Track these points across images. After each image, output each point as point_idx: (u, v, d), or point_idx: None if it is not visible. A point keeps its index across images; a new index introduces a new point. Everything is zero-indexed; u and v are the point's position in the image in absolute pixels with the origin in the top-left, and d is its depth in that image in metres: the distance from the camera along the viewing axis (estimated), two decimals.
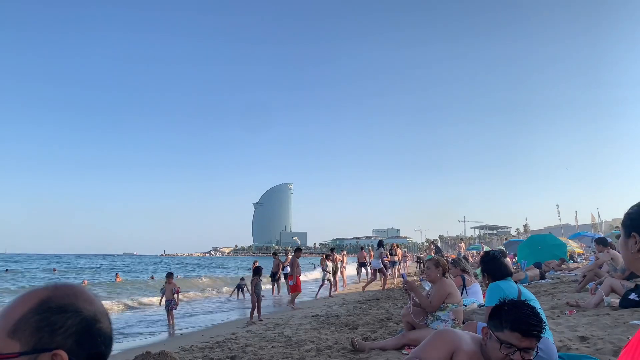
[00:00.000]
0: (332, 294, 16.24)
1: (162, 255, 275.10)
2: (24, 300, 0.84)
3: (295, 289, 13.20)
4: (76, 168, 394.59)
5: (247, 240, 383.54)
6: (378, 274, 16.03)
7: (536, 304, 3.61)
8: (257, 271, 11.89)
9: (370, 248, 21.14)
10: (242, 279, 19.59)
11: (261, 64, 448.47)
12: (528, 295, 3.94)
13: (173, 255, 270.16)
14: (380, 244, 16.70)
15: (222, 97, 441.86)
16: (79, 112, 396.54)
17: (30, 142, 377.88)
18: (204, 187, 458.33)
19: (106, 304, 16.07)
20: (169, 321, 11.60)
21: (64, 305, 0.84)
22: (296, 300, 13.34)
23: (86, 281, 26.77)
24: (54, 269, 44.39)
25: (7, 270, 40.44)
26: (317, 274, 24.68)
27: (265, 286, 19.74)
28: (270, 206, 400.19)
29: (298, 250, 14.03)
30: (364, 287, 15.99)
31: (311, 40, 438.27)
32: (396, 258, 18.10)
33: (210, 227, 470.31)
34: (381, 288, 15.61)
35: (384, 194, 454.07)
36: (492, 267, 4.16)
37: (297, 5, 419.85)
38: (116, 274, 30.23)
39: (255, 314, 10.62)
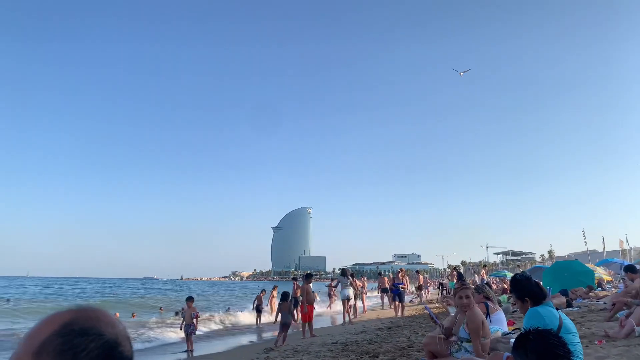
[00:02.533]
0: (352, 320, 15.95)
1: (180, 279, 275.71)
2: (48, 322, 0.86)
3: (305, 318, 12.69)
4: (96, 190, 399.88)
5: (266, 265, 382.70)
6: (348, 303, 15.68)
7: (576, 336, 3.41)
8: (285, 296, 11.87)
9: (390, 274, 20.89)
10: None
11: (284, 89, 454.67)
12: (569, 324, 3.70)
13: (192, 279, 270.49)
14: (344, 273, 16.35)
15: (242, 117, 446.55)
16: (94, 135, 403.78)
17: (53, 164, 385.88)
18: (222, 211, 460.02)
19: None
20: (187, 346, 11.54)
21: (87, 328, 0.85)
22: (314, 326, 13.11)
23: (118, 314, 26.35)
24: (8, 300, 34.38)
25: (8, 300, 34.26)
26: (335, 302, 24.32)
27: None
28: (290, 230, 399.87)
29: (309, 277, 13.40)
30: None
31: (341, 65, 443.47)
32: (403, 286, 17.81)
33: (229, 251, 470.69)
34: (398, 315, 15.30)
35: (405, 219, 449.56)
36: (531, 289, 3.85)
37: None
38: (160, 308, 28.57)
39: (281, 339, 10.50)
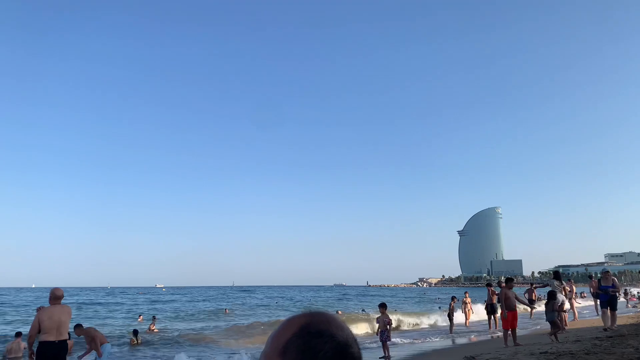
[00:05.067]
0: (565, 327, 14.27)
1: (366, 286, 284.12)
2: (289, 325, 0.97)
3: (506, 324, 11.78)
4: (295, 205, 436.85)
5: (455, 270, 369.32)
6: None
7: None
8: (552, 296, 11.84)
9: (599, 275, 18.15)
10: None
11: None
12: None
13: (379, 286, 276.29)
14: (557, 276, 14.47)
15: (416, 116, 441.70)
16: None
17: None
18: (406, 217, 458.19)
19: None
20: (384, 352, 11.68)
21: (321, 330, 0.94)
22: (518, 334, 12.11)
23: (340, 311, 28.68)
24: None
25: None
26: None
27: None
28: (477, 233, 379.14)
29: (509, 281, 12.63)
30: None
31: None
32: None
33: (415, 257, 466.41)
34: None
35: (618, 210, 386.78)
36: None
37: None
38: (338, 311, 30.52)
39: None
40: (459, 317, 19.61)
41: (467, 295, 21.02)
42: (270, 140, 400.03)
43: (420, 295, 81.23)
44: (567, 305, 14.96)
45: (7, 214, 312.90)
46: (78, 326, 10.38)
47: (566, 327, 14.52)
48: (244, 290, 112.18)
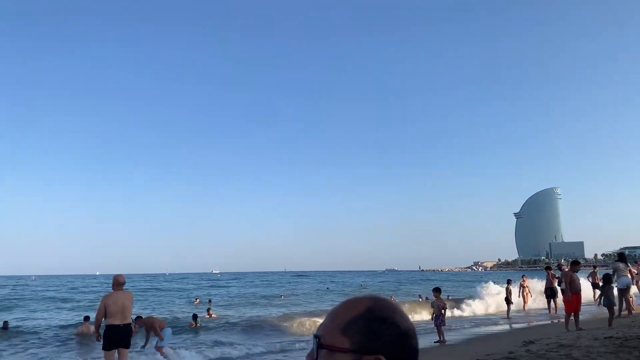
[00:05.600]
0: (632, 311, 13.51)
1: (419, 270, 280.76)
2: (353, 305, 0.97)
3: (570, 308, 11.28)
4: (346, 191, 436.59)
5: (511, 254, 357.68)
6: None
7: None
8: (608, 280, 11.60)
9: None
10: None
11: None
12: None
13: (432, 270, 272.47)
14: (622, 258, 13.49)
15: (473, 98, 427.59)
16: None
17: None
18: (460, 199, 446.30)
19: None
20: (439, 337, 11.53)
21: (385, 316, 0.94)
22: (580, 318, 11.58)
23: (394, 298, 28.45)
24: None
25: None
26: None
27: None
28: (535, 215, 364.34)
29: (575, 264, 12.05)
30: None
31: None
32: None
33: (469, 240, 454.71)
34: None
35: None
36: None
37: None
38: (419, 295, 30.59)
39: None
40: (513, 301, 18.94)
41: (524, 278, 20.35)
42: (326, 121, 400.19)
43: (476, 279, 79.46)
44: (634, 289, 14.11)
45: (74, 205, 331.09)
46: (138, 318, 10.89)
47: (633, 311, 13.74)
48: (297, 275, 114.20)
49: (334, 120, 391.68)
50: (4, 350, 11.15)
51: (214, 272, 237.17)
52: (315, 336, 0.94)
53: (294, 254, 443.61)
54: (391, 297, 28.33)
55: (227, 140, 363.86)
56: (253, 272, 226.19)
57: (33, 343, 12.38)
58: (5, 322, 15.22)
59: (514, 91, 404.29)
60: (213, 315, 18.73)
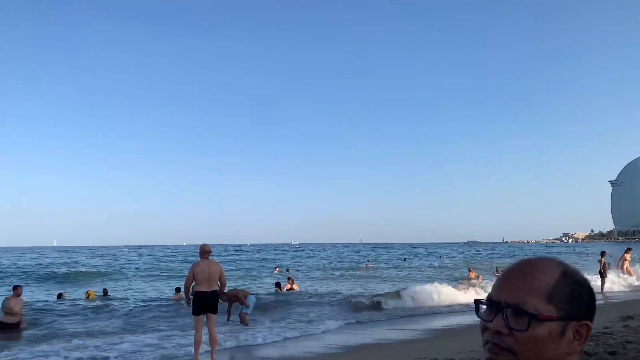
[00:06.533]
0: None
1: (502, 242, 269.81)
2: (546, 269, 0.91)
3: None
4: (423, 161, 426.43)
5: (606, 224, 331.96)
6: None
7: None
8: None
9: None
10: None
11: None
12: None
13: (516, 242, 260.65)
14: None
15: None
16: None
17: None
18: (546, 165, 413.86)
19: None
20: None
21: (580, 280, 0.92)
22: None
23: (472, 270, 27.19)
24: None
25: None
26: None
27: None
28: (635, 182, 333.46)
29: None
30: None
31: None
32: None
33: (558, 210, 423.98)
34: None
35: None
36: None
37: None
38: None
39: None
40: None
41: (628, 252, 18.79)
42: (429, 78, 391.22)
43: (569, 251, 74.99)
44: None
45: (161, 178, 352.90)
46: (222, 294, 11.12)
47: None
48: (375, 247, 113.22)
49: (436, 77, 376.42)
50: (104, 314, 12.20)
51: (293, 242, 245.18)
52: (508, 304, 0.88)
53: (371, 226, 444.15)
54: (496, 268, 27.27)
55: (320, 113, 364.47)
56: (329, 243, 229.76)
57: (128, 309, 13.42)
58: (105, 290, 16.86)
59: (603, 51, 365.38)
60: (295, 287, 18.10)
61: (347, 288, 20.09)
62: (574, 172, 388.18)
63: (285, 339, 9.57)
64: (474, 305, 0.96)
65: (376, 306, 13.86)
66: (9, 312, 10.59)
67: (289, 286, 17.84)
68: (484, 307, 0.92)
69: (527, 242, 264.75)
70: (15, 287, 11.25)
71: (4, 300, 10.92)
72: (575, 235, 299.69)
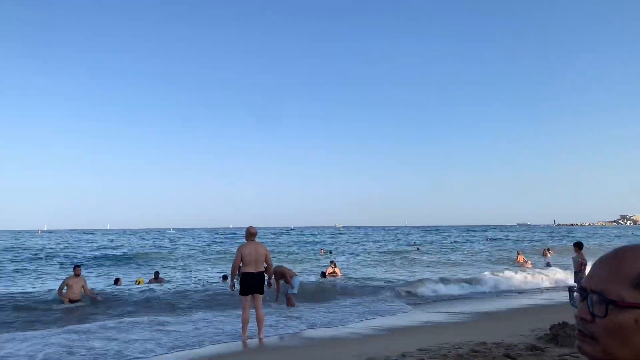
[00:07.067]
0: None
1: (554, 225, 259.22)
2: (635, 257, 0.88)
3: None
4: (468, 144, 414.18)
5: None
6: None
7: None
8: None
9: None
10: None
11: None
12: None
13: (569, 225, 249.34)
14: None
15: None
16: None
17: None
18: (603, 142, 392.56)
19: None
20: None
21: None
22: None
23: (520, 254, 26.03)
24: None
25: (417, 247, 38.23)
26: None
27: None
28: None
29: None
30: None
31: None
32: None
33: (615, 190, 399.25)
34: None
35: None
36: None
37: None
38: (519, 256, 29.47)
39: None
40: None
41: None
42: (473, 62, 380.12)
43: (626, 235, 71.13)
44: None
45: (206, 164, 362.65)
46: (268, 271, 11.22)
47: None
48: (422, 230, 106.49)
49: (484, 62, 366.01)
50: (156, 299, 12.48)
51: (337, 225, 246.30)
52: (593, 290, 0.87)
53: (415, 209, 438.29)
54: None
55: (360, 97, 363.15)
56: (373, 226, 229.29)
57: (177, 291, 13.60)
58: (156, 273, 17.04)
59: None
60: (337, 271, 17.49)
61: (397, 273, 19.66)
62: (631, 148, 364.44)
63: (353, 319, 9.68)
64: (567, 293, 0.97)
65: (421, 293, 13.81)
66: (70, 289, 11.60)
67: (330, 269, 17.48)
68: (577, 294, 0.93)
69: (581, 224, 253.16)
70: (75, 267, 12.12)
71: (65, 279, 11.99)
72: (634, 217, 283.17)
